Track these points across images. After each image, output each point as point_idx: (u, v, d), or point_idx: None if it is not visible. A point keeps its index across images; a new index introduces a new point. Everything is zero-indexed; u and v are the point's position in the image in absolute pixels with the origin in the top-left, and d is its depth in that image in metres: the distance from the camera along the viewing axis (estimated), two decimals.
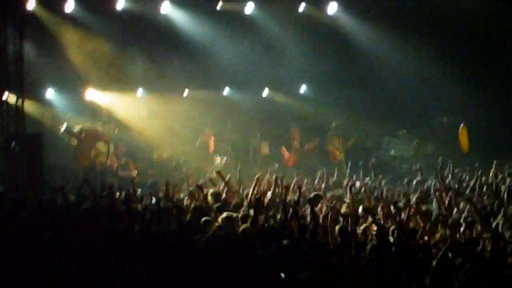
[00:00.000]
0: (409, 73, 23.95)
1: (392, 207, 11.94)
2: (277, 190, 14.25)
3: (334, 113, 24.34)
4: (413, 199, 13.78)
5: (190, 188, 15.13)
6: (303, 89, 26.11)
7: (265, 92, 25.66)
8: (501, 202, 12.87)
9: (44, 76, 21.93)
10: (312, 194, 14.29)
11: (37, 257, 11.07)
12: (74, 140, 21.07)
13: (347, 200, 13.48)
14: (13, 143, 19.33)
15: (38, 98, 21.76)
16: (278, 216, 11.96)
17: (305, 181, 17.31)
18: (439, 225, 11.40)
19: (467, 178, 16.80)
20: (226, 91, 25.37)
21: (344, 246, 10.34)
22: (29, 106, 20.55)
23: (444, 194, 13.38)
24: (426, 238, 10.64)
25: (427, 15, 23.63)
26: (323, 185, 16.79)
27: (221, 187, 15.09)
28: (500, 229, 10.83)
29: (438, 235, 10.85)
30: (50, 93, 22.34)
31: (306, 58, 24.74)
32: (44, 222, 12.73)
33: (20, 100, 19.96)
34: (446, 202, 12.82)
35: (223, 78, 24.95)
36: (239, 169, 18.16)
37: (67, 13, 21.81)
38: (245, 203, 13.45)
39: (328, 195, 15.17)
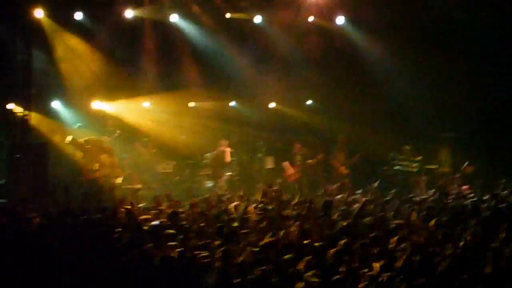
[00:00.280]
0: (415, 88, 23.89)
1: None
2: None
3: (339, 127, 24.30)
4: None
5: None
6: (309, 102, 26.05)
7: (272, 104, 25.63)
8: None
9: (51, 86, 21.96)
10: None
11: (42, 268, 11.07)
12: (78, 152, 21.06)
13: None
14: (19, 154, 19.45)
15: (44, 108, 21.72)
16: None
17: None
18: None
19: None
20: (233, 103, 25.33)
21: None
22: (35, 117, 20.55)
23: None
24: None
25: (433, 30, 23.57)
26: None
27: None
28: None
29: None
30: (56, 104, 22.32)
31: (313, 71, 24.75)
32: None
33: (26, 111, 20.06)
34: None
35: (230, 89, 24.97)
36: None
37: (75, 22, 21.90)
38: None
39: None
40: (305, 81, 25.12)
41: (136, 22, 22.69)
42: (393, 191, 18.17)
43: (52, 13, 20.92)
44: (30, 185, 19.43)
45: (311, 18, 24.41)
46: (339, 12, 24.27)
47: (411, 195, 17.92)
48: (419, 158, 23.22)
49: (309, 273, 9.79)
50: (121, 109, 23.36)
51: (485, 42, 23.12)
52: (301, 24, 24.44)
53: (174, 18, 23.17)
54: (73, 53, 22.18)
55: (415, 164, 23.08)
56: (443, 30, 23.59)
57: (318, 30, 24.65)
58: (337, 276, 9.79)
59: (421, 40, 23.57)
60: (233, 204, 15.69)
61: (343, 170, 23.16)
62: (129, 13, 22.33)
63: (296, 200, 16.01)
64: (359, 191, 18.43)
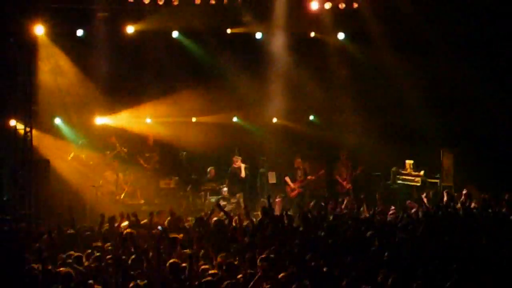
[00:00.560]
0: (416, 101, 23.86)
1: None
2: None
3: (342, 141, 24.28)
4: None
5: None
6: (311, 117, 26.03)
7: (274, 119, 25.63)
8: None
9: (53, 103, 21.96)
10: None
11: None
12: (82, 168, 21.09)
13: None
14: (21, 170, 19.43)
15: (46, 125, 21.71)
16: None
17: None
18: None
19: None
20: (235, 118, 25.32)
21: None
22: (37, 134, 20.52)
23: None
24: None
25: (437, 39, 23.54)
26: None
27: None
28: None
29: None
30: (58, 121, 22.32)
31: (315, 86, 24.75)
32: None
33: (28, 127, 20.03)
34: None
35: (232, 104, 24.97)
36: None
37: (77, 38, 21.93)
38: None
39: None
40: (307, 96, 25.04)
41: (137, 37, 22.69)
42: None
43: (52, 30, 20.86)
44: (32, 202, 19.39)
45: (312, 34, 24.49)
46: (339, 27, 24.31)
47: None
48: (422, 172, 23.20)
49: None
50: (124, 124, 23.38)
51: (491, 53, 23.09)
52: (303, 39, 24.48)
53: (175, 34, 23.25)
54: (74, 69, 22.22)
55: (417, 179, 23.07)
56: (447, 41, 23.52)
57: (320, 44, 24.67)
58: None
59: (425, 51, 23.53)
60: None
61: (346, 185, 23.17)
62: (130, 29, 22.38)
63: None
64: None
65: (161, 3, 21.28)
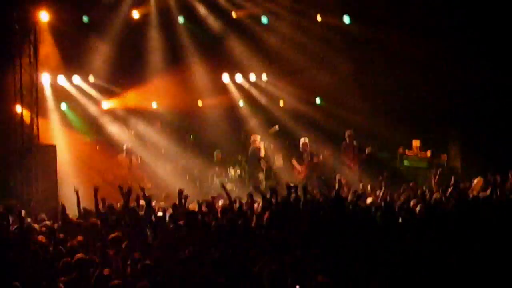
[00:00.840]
0: (423, 82, 23.80)
1: None
2: None
3: (348, 123, 24.23)
4: None
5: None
6: (317, 100, 26.00)
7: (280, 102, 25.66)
8: None
9: (59, 88, 22.09)
10: None
11: None
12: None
13: None
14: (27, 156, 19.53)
15: (53, 111, 21.83)
16: None
17: None
18: None
19: None
20: (241, 102, 25.36)
21: None
22: (43, 119, 20.62)
23: None
24: None
25: (442, 21, 23.44)
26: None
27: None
28: None
29: None
30: (65, 106, 22.43)
31: (320, 68, 24.73)
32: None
33: (34, 113, 20.12)
34: None
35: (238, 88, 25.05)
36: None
37: (82, 24, 22.02)
38: None
39: None
40: (313, 78, 25.02)
41: (143, 22, 22.78)
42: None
43: (57, 16, 20.91)
44: (38, 187, 19.49)
45: (318, 17, 24.47)
46: (345, 10, 24.29)
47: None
48: (429, 152, 23.15)
49: None
50: (130, 109, 23.49)
51: (495, 35, 22.98)
52: (309, 22, 24.48)
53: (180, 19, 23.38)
54: (82, 54, 22.32)
55: (424, 160, 23.03)
56: (451, 22, 23.43)
57: (326, 28, 24.65)
58: None
59: (430, 32, 23.44)
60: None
61: (353, 166, 23.12)
62: (136, 14, 22.48)
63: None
64: None
65: None
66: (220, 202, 16.18)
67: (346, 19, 24.52)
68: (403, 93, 24.07)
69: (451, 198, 15.25)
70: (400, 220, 13.43)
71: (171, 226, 13.18)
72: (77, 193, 15.00)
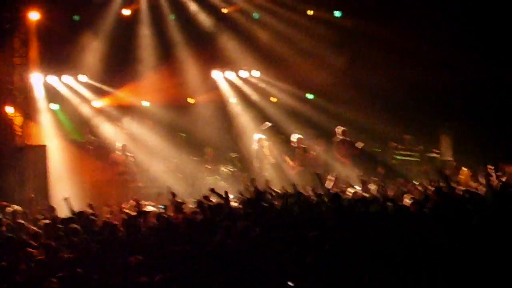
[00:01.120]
0: (415, 76, 23.79)
1: None
2: None
3: (340, 118, 24.21)
4: None
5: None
6: (309, 95, 25.98)
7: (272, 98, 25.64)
8: None
9: (50, 88, 22.09)
10: None
11: None
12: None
13: None
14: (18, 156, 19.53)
15: (43, 111, 21.81)
16: None
17: None
18: None
19: None
20: (232, 98, 25.34)
21: None
22: (34, 119, 20.62)
23: None
24: None
25: (435, 16, 23.47)
26: None
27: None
28: None
29: None
30: (55, 106, 22.44)
31: (312, 63, 24.73)
32: None
33: (25, 113, 20.12)
34: None
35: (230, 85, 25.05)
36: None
37: (73, 23, 22.00)
38: None
39: None
40: (305, 74, 25.01)
41: (133, 20, 22.80)
42: None
43: (48, 15, 20.87)
44: (30, 187, 19.50)
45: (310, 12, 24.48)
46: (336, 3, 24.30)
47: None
48: (420, 147, 23.19)
49: None
50: (121, 108, 23.48)
51: (486, 29, 23.00)
52: (300, 17, 24.49)
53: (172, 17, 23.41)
54: (72, 53, 22.29)
55: (416, 154, 23.05)
56: (444, 16, 23.45)
57: (318, 22, 24.65)
58: None
59: (423, 27, 23.46)
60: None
61: (346, 162, 23.10)
62: (126, 12, 22.50)
63: None
64: None
65: None
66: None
67: (337, 13, 24.51)
68: (395, 87, 24.05)
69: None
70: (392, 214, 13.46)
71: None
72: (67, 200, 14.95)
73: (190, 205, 16.01)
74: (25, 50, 20.51)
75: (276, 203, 14.54)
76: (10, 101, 20.16)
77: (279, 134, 24.31)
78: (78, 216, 13.74)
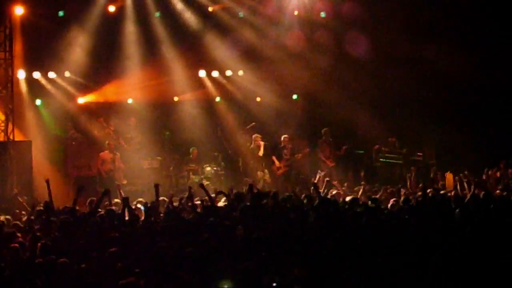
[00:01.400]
0: (400, 79, 23.85)
1: None
2: None
3: (325, 120, 24.20)
4: None
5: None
6: (294, 96, 25.97)
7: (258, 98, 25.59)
8: None
9: (35, 83, 21.98)
10: None
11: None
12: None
13: None
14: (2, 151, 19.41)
15: (28, 106, 21.71)
16: None
17: None
18: None
19: None
20: (218, 98, 25.29)
21: None
22: (18, 115, 20.51)
23: None
24: None
25: (422, 13, 23.51)
26: None
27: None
28: None
29: None
30: (40, 101, 22.31)
31: (298, 64, 24.72)
32: None
33: (9, 109, 19.99)
34: None
35: (215, 84, 25.01)
36: None
37: (58, 19, 21.89)
38: None
39: None
40: (290, 74, 24.99)
41: (118, 17, 22.72)
42: None
43: (32, 10, 20.75)
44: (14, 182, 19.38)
45: (295, 12, 24.49)
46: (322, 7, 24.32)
47: None
48: (404, 150, 23.24)
49: None
50: (106, 104, 23.40)
51: (476, 35, 23.11)
52: (286, 17, 24.49)
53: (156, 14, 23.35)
54: (57, 49, 22.17)
55: (399, 156, 23.09)
56: (431, 18, 23.52)
57: (303, 23, 24.67)
58: None
59: (410, 29, 23.50)
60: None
61: (329, 163, 23.09)
62: (111, 8, 22.43)
63: None
64: None
65: None
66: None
67: (322, 13, 24.56)
68: (380, 90, 24.13)
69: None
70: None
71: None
72: (47, 182, 14.79)
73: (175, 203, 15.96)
74: (9, 45, 20.31)
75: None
76: None
77: (263, 133, 24.24)
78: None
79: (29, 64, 21.59)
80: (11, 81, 20.18)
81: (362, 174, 22.64)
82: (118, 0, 22.77)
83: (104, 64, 22.91)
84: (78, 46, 22.26)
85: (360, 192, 16.88)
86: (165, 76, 23.91)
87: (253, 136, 23.20)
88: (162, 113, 24.06)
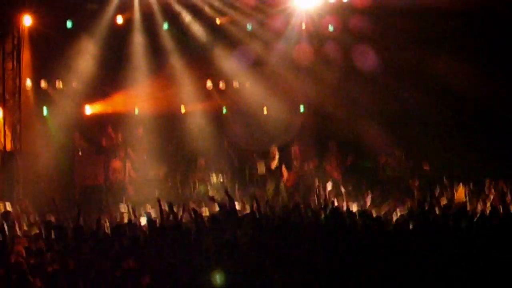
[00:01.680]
0: (406, 91, 23.85)
1: None
2: None
3: (331, 131, 24.20)
4: None
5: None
6: (301, 108, 25.99)
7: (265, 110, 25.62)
8: None
9: (42, 92, 22.03)
10: None
11: None
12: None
13: None
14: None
15: (35, 115, 21.76)
16: None
17: None
18: None
19: None
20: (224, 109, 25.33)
21: None
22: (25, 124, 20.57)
23: None
24: None
25: (425, 25, 23.52)
26: None
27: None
28: None
29: None
30: (47, 110, 22.39)
31: (305, 77, 24.75)
32: None
33: (17, 118, 20.06)
34: None
35: (222, 96, 25.02)
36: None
37: (66, 29, 21.96)
38: None
39: None
40: (298, 86, 25.03)
41: (126, 28, 22.78)
42: None
43: (41, 21, 20.83)
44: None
45: (303, 26, 24.53)
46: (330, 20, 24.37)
47: None
48: (411, 162, 23.18)
49: None
50: (113, 115, 23.45)
51: (485, 49, 23.10)
52: (294, 30, 24.54)
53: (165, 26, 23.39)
54: (65, 59, 22.24)
55: (406, 169, 23.04)
56: (439, 35, 23.53)
57: (311, 36, 24.71)
58: None
59: (416, 45, 23.51)
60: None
61: (336, 175, 23.09)
62: (119, 19, 22.48)
63: None
64: None
65: None
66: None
67: (330, 27, 24.59)
68: (387, 103, 24.11)
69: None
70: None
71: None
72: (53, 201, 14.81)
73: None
74: (17, 55, 20.40)
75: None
76: (1, 105, 20.06)
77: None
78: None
79: (37, 74, 21.63)
80: (19, 90, 20.24)
81: (368, 186, 22.56)
82: (126, 12, 22.83)
83: (111, 74, 22.95)
84: (86, 56, 22.30)
85: (366, 204, 16.88)
86: (173, 87, 23.95)
87: (272, 147, 23.21)
88: (169, 123, 24.07)
